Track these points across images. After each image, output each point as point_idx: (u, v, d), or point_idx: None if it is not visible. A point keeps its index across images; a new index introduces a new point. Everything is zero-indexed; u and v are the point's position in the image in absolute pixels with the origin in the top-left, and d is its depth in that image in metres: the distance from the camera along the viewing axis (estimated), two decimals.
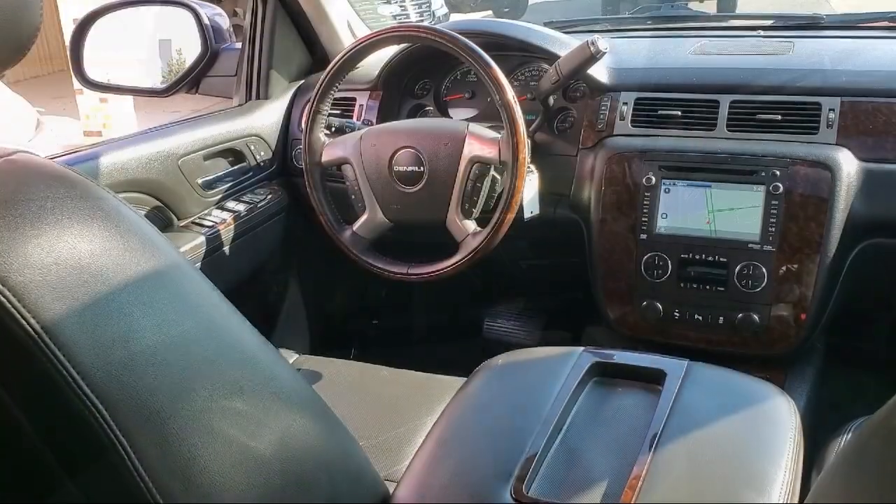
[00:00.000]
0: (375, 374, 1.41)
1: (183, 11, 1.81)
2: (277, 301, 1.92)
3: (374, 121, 1.70)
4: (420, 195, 1.42)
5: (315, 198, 1.50)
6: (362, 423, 1.18)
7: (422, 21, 8.32)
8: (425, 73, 1.76)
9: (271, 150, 1.78)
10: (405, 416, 1.24)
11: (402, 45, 1.66)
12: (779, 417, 0.90)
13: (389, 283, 1.51)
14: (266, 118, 1.79)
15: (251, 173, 1.73)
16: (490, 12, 10.92)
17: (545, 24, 2.01)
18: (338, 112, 1.69)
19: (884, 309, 1.70)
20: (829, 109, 1.37)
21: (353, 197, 1.50)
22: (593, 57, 1.42)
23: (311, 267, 1.99)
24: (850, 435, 1.11)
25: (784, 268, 1.35)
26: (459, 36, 1.35)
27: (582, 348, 1.03)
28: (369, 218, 1.48)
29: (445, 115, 1.74)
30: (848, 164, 1.33)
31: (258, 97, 1.82)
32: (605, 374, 1.00)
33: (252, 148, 1.72)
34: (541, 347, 1.08)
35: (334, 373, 1.41)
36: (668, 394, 0.92)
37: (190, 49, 1.88)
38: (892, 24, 1.74)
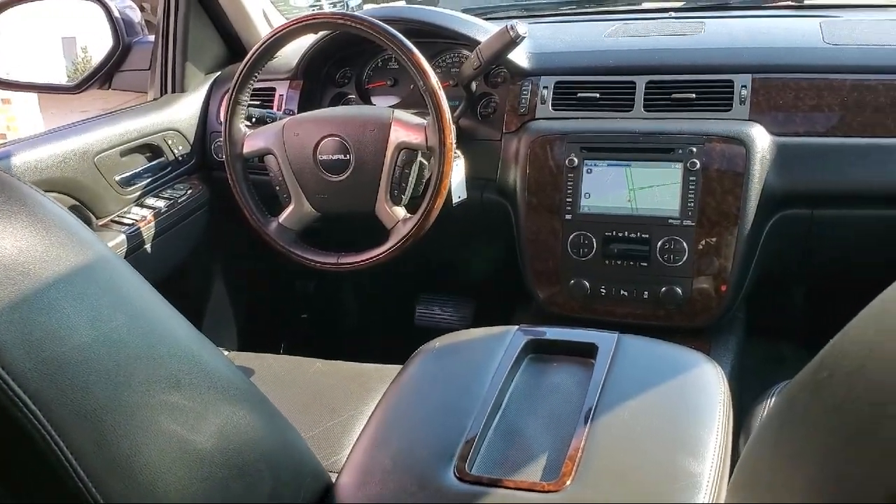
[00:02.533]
0: (309, 367, 1.39)
1: (91, 5, 1.75)
2: (202, 298, 1.88)
3: (296, 110, 1.68)
4: (347, 183, 1.42)
5: (238, 190, 1.47)
6: (299, 416, 1.17)
7: (334, 10, 8.23)
8: (346, 61, 1.75)
9: (189, 144, 1.74)
10: (342, 406, 1.23)
11: (322, 33, 1.64)
12: (708, 384, 0.93)
13: (318, 274, 1.50)
14: (183, 112, 1.74)
15: (170, 168, 1.68)
16: (403, 1, 10.90)
17: (464, 11, 2.02)
18: (258, 103, 1.66)
19: (798, 279, 1.78)
20: (741, 86, 1.42)
21: (277, 188, 1.48)
22: (513, 42, 1.43)
23: (236, 262, 1.96)
24: (773, 399, 1.16)
25: (704, 241, 1.40)
26: (380, 22, 1.34)
27: (516, 327, 1.05)
28: (295, 209, 1.47)
29: (368, 102, 1.73)
30: (761, 139, 1.38)
31: (174, 91, 1.78)
32: (540, 351, 1.01)
33: (170, 142, 1.68)
34: (475, 329, 1.09)
35: (266, 367, 1.39)
36: (601, 366, 0.95)
37: (97, 45, 1.82)
38: (795, 4, 1.82)
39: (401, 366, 1.20)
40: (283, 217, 1.47)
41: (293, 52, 1.65)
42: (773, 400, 1.17)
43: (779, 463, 0.50)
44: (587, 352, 0.99)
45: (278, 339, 2.13)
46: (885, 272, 1.63)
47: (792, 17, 1.70)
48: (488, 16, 2.00)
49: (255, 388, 0.81)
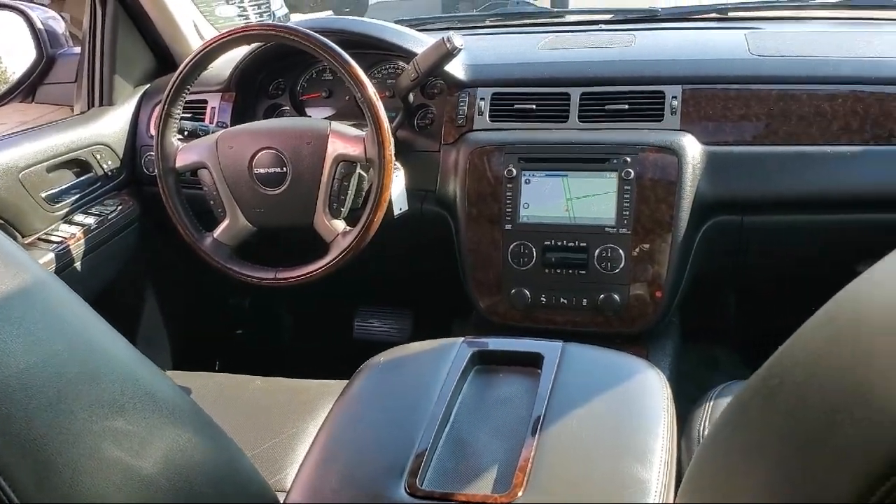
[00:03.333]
0: (249, 385, 1.37)
1: (10, 15, 1.69)
2: (134, 317, 1.83)
3: (229, 123, 1.65)
4: (284, 197, 1.40)
5: (171, 205, 1.44)
6: (240, 435, 1.14)
7: (263, 21, 8.14)
8: (279, 72, 1.73)
9: (119, 159, 1.69)
10: (283, 424, 1.21)
11: (255, 45, 1.62)
12: (652, 390, 0.94)
13: (252, 289, 1.47)
14: (111, 125, 1.69)
15: (99, 184, 1.63)
16: (330, 12, 10.84)
17: (396, 22, 2.02)
18: (189, 115, 1.63)
19: (729, 283, 1.83)
20: (672, 97, 1.46)
21: (212, 202, 1.45)
22: (450, 53, 1.44)
23: (168, 278, 1.91)
24: (712, 402, 1.19)
25: (639, 249, 1.43)
26: (316, 34, 1.33)
27: (461, 339, 1.05)
28: (230, 224, 1.44)
29: (303, 114, 1.71)
30: (692, 149, 1.42)
31: (101, 104, 1.73)
32: (486, 363, 1.01)
33: (98, 157, 1.63)
34: (420, 342, 1.08)
35: (204, 386, 1.36)
36: (547, 376, 0.95)
37: (16, 57, 1.76)
38: (720, 16, 1.87)
39: (342, 381, 1.19)
40: (218, 232, 1.44)
41: (225, 63, 1.62)
42: (712, 403, 1.19)
43: (732, 467, 0.51)
44: (533, 362, 0.99)
45: (212, 356, 2.08)
46: (812, 276, 1.70)
47: (718, 30, 1.75)
48: (421, 27, 2.01)
49: (200, 409, 0.78)
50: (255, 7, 8.14)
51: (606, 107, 1.48)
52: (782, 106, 1.43)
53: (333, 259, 1.38)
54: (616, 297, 1.44)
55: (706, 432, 1.12)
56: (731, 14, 1.88)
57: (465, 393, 0.96)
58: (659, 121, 1.45)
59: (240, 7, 7.72)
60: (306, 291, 1.44)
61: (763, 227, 1.49)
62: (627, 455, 0.84)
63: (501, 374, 1.00)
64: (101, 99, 1.72)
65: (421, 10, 10.15)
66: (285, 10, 8.66)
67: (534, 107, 1.51)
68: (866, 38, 1.56)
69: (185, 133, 1.52)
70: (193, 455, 0.70)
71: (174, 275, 1.90)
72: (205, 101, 1.68)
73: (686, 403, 1.26)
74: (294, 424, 1.21)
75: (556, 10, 2.06)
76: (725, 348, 1.93)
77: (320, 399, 1.26)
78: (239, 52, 1.63)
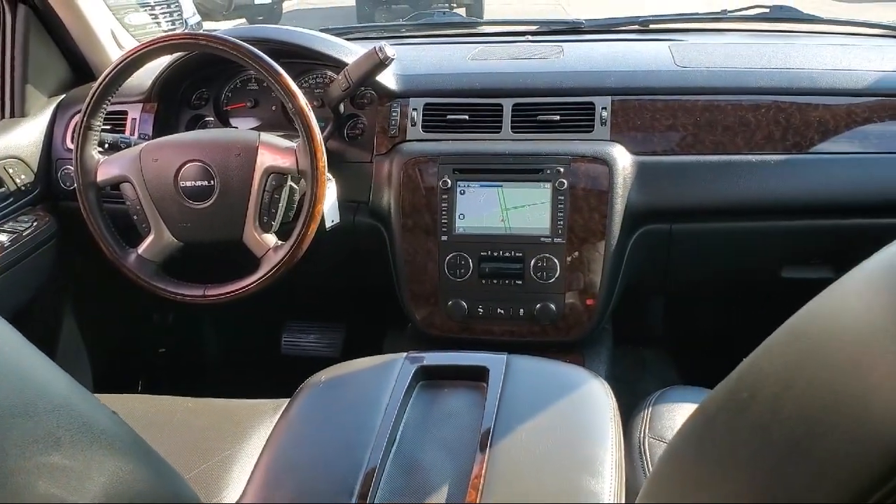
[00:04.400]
0: (178, 406, 1.31)
1: None
2: (52, 338, 1.74)
3: (151, 135, 1.59)
4: (212, 211, 1.35)
5: (92, 221, 1.38)
6: (174, 459, 1.10)
7: (174, 30, 7.95)
8: (203, 82, 1.68)
9: (33, 173, 1.61)
10: (216, 446, 1.16)
11: (177, 54, 1.57)
12: (597, 400, 0.94)
13: (176, 305, 1.42)
14: (24, 138, 1.61)
15: (11, 199, 1.55)
16: (244, 20, 10.71)
17: (320, 30, 1.99)
18: (108, 127, 1.56)
19: (659, 289, 1.86)
20: (602, 108, 1.48)
21: (135, 217, 1.39)
22: (382, 63, 1.43)
23: (88, 297, 1.82)
24: (650, 409, 1.20)
25: (574, 258, 1.44)
26: (244, 43, 1.30)
27: (404, 355, 1.03)
28: (156, 239, 1.39)
29: (227, 125, 1.66)
30: (622, 158, 1.44)
31: (12, 115, 1.64)
32: (430, 378, 1.00)
33: (10, 171, 1.55)
34: (362, 359, 1.06)
35: (131, 409, 1.29)
36: (494, 389, 0.94)
37: None
38: (642, 28, 1.91)
39: (275, 400, 1.16)
40: (142, 248, 1.39)
41: (146, 73, 1.56)
42: (650, 410, 1.21)
43: (700, 480, 0.50)
44: (478, 375, 0.98)
45: (135, 377, 2.00)
46: (737, 281, 1.74)
47: (642, 41, 1.79)
48: (346, 36, 1.98)
49: (138, 437, 0.74)
50: (167, 15, 7.95)
51: (538, 118, 1.49)
52: (708, 116, 1.46)
53: (265, 274, 1.34)
54: (552, 306, 1.45)
55: (647, 440, 1.13)
56: (652, 26, 1.92)
57: (411, 409, 0.94)
58: (590, 131, 1.47)
59: (151, 15, 7.51)
60: (232, 306, 1.40)
61: (691, 234, 1.52)
62: (578, 467, 0.83)
63: (447, 388, 0.98)
64: (12, 110, 1.64)
65: (335, 19, 10.13)
66: (197, 17, 8.48)
67: (467, 117, 1.51)
68: (784, 50, 1.61)
69: (106, 146, 1.46)
70: (134, 486, 0.67)
71: (94, 293, 1.82)
72: (124, 113, 1.62)
73: (622, 409, 1.27)
74: (228, 446, 1.16)
75: (483, 20, 2.06)
76: (654, 352, 1.97)
77: (253, 419, 1.22)
78: (160, 62, 1.58)
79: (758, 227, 1.50)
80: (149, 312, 2.03)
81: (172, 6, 7.69)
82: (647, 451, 1.12)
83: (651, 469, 1.08)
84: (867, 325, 0.39)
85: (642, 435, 1.15)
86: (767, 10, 1.88)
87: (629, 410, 1.25)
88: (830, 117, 1.44)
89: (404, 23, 2.13)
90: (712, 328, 2.07)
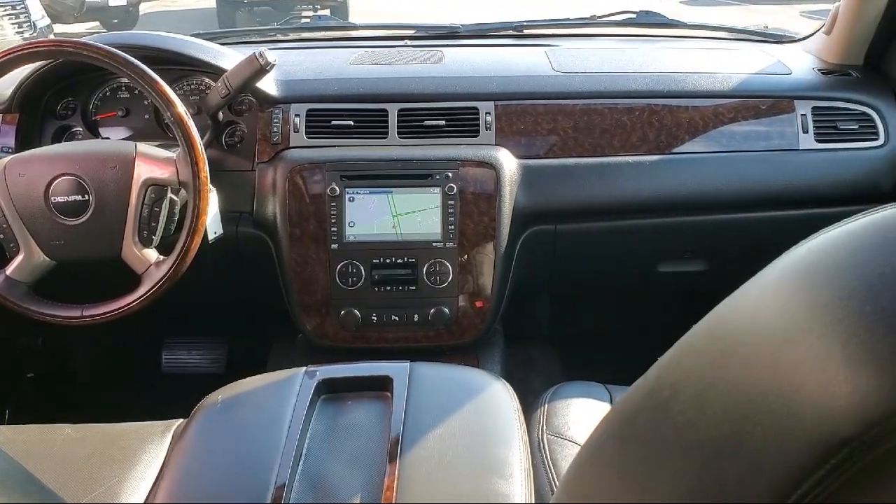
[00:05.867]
0: (58, 435, 1.23)
1: None
2: None
3: (13, 147, 1.48)
4: (87, 227, 1.28)
5: None
6: (60, 491, 1.03)
7: (22, 34, 7.47)
8: (68, 90, 1.58)
9: None
10: (104, 474, 1.10)
11: (39, 62, 1.47)
12: (501, 402, 0.96)
13: (44, 326, 1.33)
14: None
15: None
16: (97, 23, 10.24)
17: (193, 36, 1.92)
18: None
19: (545, 287, 1.91)
20: (486, 113, 1.50)
21: (1, 237, 1.30)
22: (263, 69, 1.39)
23: None
24: (546, 406, 1.23)
25: (466, 262, 1.45)
26: (117, 50, 1.23)
27: (304, 369, 1.01)
28: (25, 259, 1.30)
29: (96, 135, 1.58)
30: (508, 162, 1.46)
31: None
32: (333, 391, 0.98)
33: None
34: (258, 376, 1.03)
35: (7, 441, 1.20)
36: (399, 398, 0.94)
37: None
38: (516, 34, 1.95)
39: (164, 422, 1.11)
40: (10, 269, 1.29)
41: (5, 82, 1.45)
42: (546, 407, 1.23)
43: (626, 481, 0.52)
44: (381, 385, 0.98)
45: (1, 406, 1.86)
46: (616, 277, 1.80)
47: (518, 47, 1.82)
48: (220, 41, 1.92)
49: (20, 469, 0.69)
50: (12, 17, 7.45)
51: (424, 123, 1.49)
52: (586, 120, 1.51)
53: (147, 291, 1.28)
54: (446, 310, 1.46)
55: (545, 437, 1.15)
56: (526, 31, 1.97)
57: (315, 424, 0.93)
58: (475, 136, 1.49)
59: None
60: (105, 324, 1.33)
61: (574, 234, 1.56)
62: (489, 471, 0.84)
63: (350, 401, 0.97)
64: None
65: (194, 21, 9.81)
66: (47, 20, 8.03)
67: (352, 123, 1.49)
68: (653, 55, 1.69)
69: None
70: None
71: None
72: None
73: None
74: (116, 473, 1.10)
75: (361, 25, 2.04)
76: (541, 349, 2.02)
77: (142, 443, 1.16)
78: (20, 70, 1.47)
79: (636, 224, 1.56)
80: (13, 335, 1.89)
81: (18, 8, 7.23)
82: (546, 447, 1.14)
83: (551, 465, 1.11)
84: (787, 323, 0.41)
85: (540, 432, 1.18)
86: (634, 16, 1.97)
87: (523, 407, 1.27)
88: (699, 118, 1.52)
89: (280, 26, 2.08)
90: (594, 322, 2.14)
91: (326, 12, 9.55)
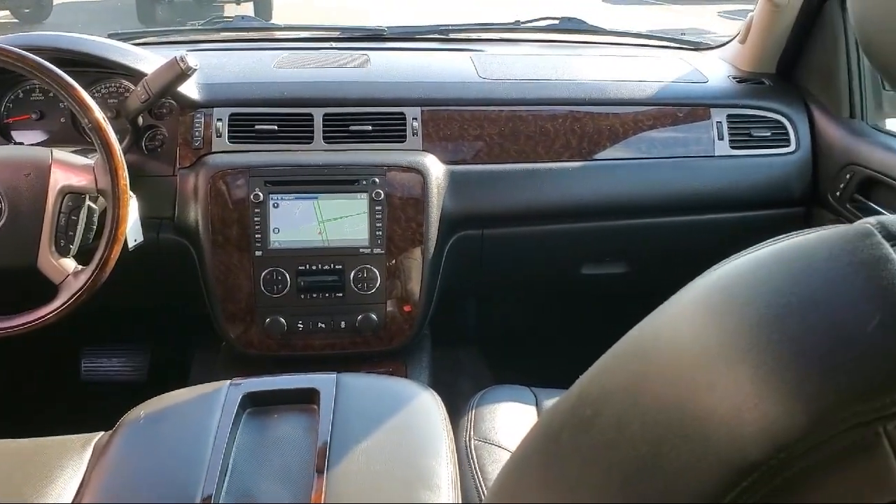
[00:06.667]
0: None
1: None
2: None
3: None
4: (0, 237, 1.23)
5: None
6: None
7: None
8: None
9: None
10: (23, 492, 1.06)
11: None
12: (429, 413, 0.96)
13: None
14: None
15: None
16: (7, 13, 9.83)
17: (109, 36, 1.86)
18: None
19: (472, 292, 1.93)
20: (413, 118, 1.50)
21: None
22: (184, 74, 1.36)
23: None
24: (473, 412, 1.24)
25: (394, 267, 1.46)
26: (28, 53, 1.19)
27: (228, 382, 0.99)
28: None
29: (9, 139, 1.52)
30: (435, 168, 1.47)
31: None
32: (258, 404, 0.97)
33: None
34: (185, 389, 1.01)
35: None
36: (326, 411, 0.94)
37: None
38: (442, 37, 1.96)
39: (84, 435, 1.08)
40: None
41: None
42: (473, 413, 1.24)
43: (549, 499, 0.53)
44: (308, 398, 0.97)
45: None
46: (541, 281, 1.83)
47: (444, 51, 1.83)
48: (139, 41, 1.88)
49: None
50: None
51: (350, 128, 1.49)
52: (511, 126, 1.53)
53: (65, 302, 1.24)
54: (374, 316, 1.46)
55: (473, 443, 1.17)
56: (452, 35, 1.98)
57: (241, 438, 0.92)
58: (402, 141, 1.49)
59: None
60: (17, 335, 1.28)
61: (501, 238, 1.58)
62: (417, 483, 0.85)
63: (276, 414, 0.96)
64: None
65: (111, 12, 9.49)
66: None
67: (276, 128, 1.48)
68: (576, 62, 1.72)
69: None
70: None
71: None
72: None
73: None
74: (34, 492, 1.06)
75: (284, 26, 2.01)
76: (468, 351, 2.03)
77: (62, 459, 1.12)
78: None
79: (560, 229, 1.59)
80: None
81: None
82: (474, 452, 1.15)
83: (479, 470, 1.12)
84: (701, 348, 0.43)
85: (468, 437, 1.19)
86: (557, 22, 2.00)
87: (451, 412, 1.28)
88: (619, 125, 1.56)
89: (201, 27, 2.04)
90: (519, 324, 2.17)
91: (249, 5, 9.38)
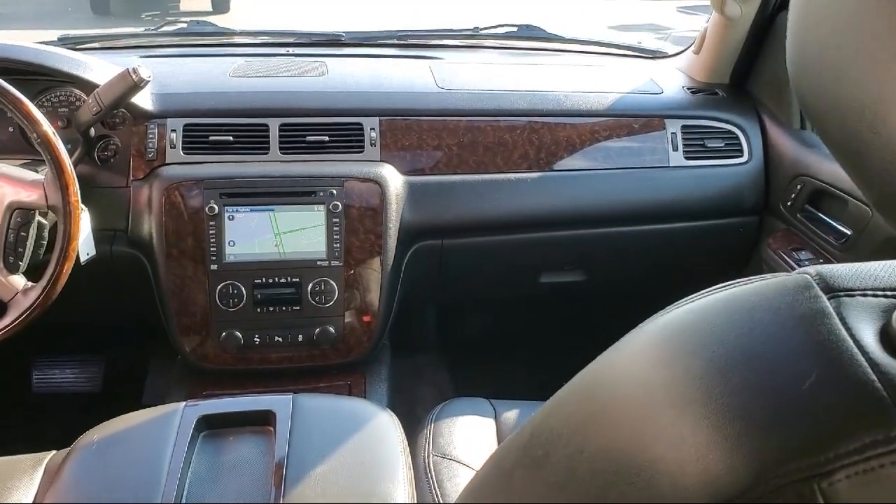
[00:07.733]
0: None
1: None
2: None
3: None
4: None
5: None
6: None
7: None
8: None
9: None
10: None
11: None
12: (386, 435, 0.96)
13: None
14: None
15: None
16: None
17: (59, 40, 1.83)
18: None
19: (431, 301, 1.93)
20: (371, 129, 1.49)
21: None
22: (136, 86, 1.34)
23: None
24: (432, 426, 1.24)
25: (352, 280, 1.45)
26: None
27: (184, 404, 0.98)
28: None
29: None
30: (393, 179, 1.47)
31: None
32: (213, 427, 0.96)
33: None
34: (140, 411, 1.00)
35: None
36: (282, 434, 0.93)
37: None
38: (401, 42, 1.95)
39: (35, 455, 1.06)
40: None
41: None
42: (432, 427, 1.24)
43: None
44: (264, 420, 0.96)
45: None
46: (500, 289, 1.84)
47: (403, 59, 1.82)
48: (87, 45, 1.84)
49: None
50: None
51: (307, 138, 1.47)
52: (470, 137, 1.53)
53: (15, 320, 1.21)
54: (331, 329, 1.45)
55: (431, 458, 1.17)
56: (410, 41, 1.97)
57: (196, 462, 0.91)
58: (360, 152, 1.48)
59: None
60: None
61: (460, 248, 1.58)
62: None
63: (232, 437, 0.95)
64: None
65: (63, 4, 9.18)
66: None
67: (231, 138, 1.46)
68: (534, 72, 1.73)
69: None
70: None
71: None
72: None
73: (402, 420, 1.31)
74: None
75: (239, 31, 1.98)
76: (428, 359, 2.03)
77: (11, 480, 1.10)
78: None
79: (518, 239, 1.60)
80: None
81: None
82: (432, 468, 1.16)
83: (437, 486, 1.12)
84: (647, 396, 0.43)
85: (426, 453, 1.19)
86: (515, 29, 2.01)
87: (409, 421, 1.28)
88: (577, 136, 1.57)
89: (154, 32, 2.00)
90: (479, 331, 2.18)
91: (207, 2, 9.23)
